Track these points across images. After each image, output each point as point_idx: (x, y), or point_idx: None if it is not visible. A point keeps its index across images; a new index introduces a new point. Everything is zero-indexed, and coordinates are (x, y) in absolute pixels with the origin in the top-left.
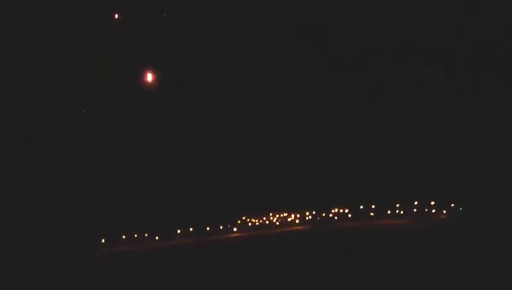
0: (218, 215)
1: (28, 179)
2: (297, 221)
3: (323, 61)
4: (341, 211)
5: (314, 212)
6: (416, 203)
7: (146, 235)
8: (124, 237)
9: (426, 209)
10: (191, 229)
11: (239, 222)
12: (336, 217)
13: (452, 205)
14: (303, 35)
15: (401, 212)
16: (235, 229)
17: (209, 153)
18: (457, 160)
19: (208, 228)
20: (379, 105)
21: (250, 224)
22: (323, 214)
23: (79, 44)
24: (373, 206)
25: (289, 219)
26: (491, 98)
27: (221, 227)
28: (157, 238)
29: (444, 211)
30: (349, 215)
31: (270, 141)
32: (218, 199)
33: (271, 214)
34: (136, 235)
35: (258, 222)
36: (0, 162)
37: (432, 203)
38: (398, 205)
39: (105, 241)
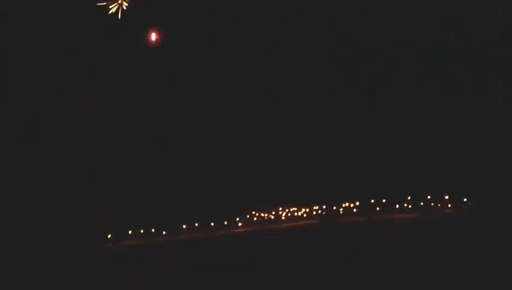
0: (225, 210)
1: (28, 179)
2: (304, 215)
3: (325, 60)
4: (351, 205)
5: (324, 207)
6: (427, 197)
7: (153, 230)
8: (130, 232)
9: (432, 204)
10: (196, 224)
11: (248, 216)
12: (342, 211)
13: (456, 198)
14: (303, 35)
15: (409, 206)
16: (240, 225)
17: (217, 148)
18: (462, 155)
19: (212, 224)
20: (387, 101)
21: (255, 219)
22: (334, 208)
23: (79, 44)
24: (383, 201)
25: (296, 214)
26: (497, 96)
27: (225, 222)
28: (164, 233)
29: (449, 205)
30: (354, 210)
31: (281, 136)
32: (226, 194)
33: (280, 209)
34: (142, 231)
35: (266, 216)
36: (0, 162)
37: (446, 197)
38: (408, 199)
39: (111, 236)
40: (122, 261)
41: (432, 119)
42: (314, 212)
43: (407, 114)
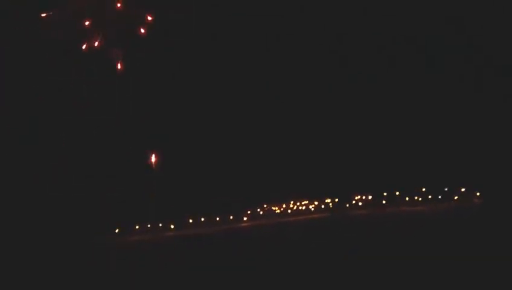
0: (237, 204)
1: (28, 179)
2: (312, 209)
3: (325, 56)
4: (363, 197)
5: (336, 200)
6: (440, 190)
7: (160, 225)
8: (137, 227)
9: (443, 197)
10: (202, 219)
11: (258, 210)
12: (353, 205)
13: (468, 192)
14: (303, 32)
15: (420, 199)
16: (245, 219)
17: (228, 143)
18: (473, 148)
19: (217, 218)
20: (393, 97)
21: (262, 212)
22: (346, 201)
23: (77, 44)
24: (396, 193)
25: (305, 207)
26: (499, 92)
27: (231, 217)
28: (172, 226)
29: (456, 197)
30: (361, 204)
31: (294, 131)
32: (235, 188)
33: (292, 202)
34: (149, 225)
35: (276, 210)
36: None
37: (462, 189)
38: (421, 192)
39: (118, 231)
40: (126, 256)
41: (443, 112)
42: (324, 206)
43: (418, 108)
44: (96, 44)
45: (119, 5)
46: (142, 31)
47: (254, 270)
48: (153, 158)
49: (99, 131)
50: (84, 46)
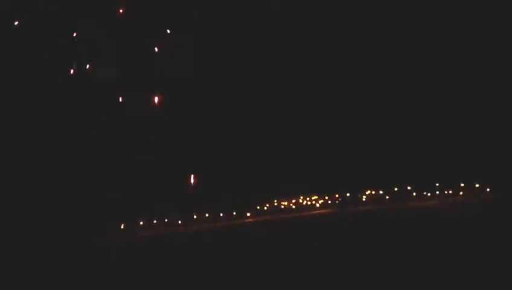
0: (243, 199)
1: (28, 179)
2: (317, 205)
3: (326, 57)
4: (372, 192)
5: (348, 195)
6: (453, 186)
7: (166, 220)
8: (141, 223)
9: (447, 192)
10: (207, 214)
11: (268, 205)
12: (358, 200)
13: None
14: (304, 33)
15: (428, 194)
16: (248, 214)
17: (240, 141)
18: (479, 145)
19: (221, 214)
20: (404, 92)
21: (265, 208)
22: (354, 197)
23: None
24: (408, 188)
25: (311, 203)
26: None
27: (234, 213)
28: (179, 222)
29: (462, 193)
30: (368, 199)
31: (309, 127)
32: (239, 185)
33: (301, 197)
34: (155, 221)
35: (286, 205)
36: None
37: (477, 185)
38: (433, 187)
39: (124, 227)
40: (127, 255)
41: (448, 111)
42: (333, 201)
43: (423, 107)
44: (87, 66)
45: (121, 10)
46: (156, 49)
47: (256, 268)
48: (156, 100)
49: (99, 131)
50: (72, 71)
